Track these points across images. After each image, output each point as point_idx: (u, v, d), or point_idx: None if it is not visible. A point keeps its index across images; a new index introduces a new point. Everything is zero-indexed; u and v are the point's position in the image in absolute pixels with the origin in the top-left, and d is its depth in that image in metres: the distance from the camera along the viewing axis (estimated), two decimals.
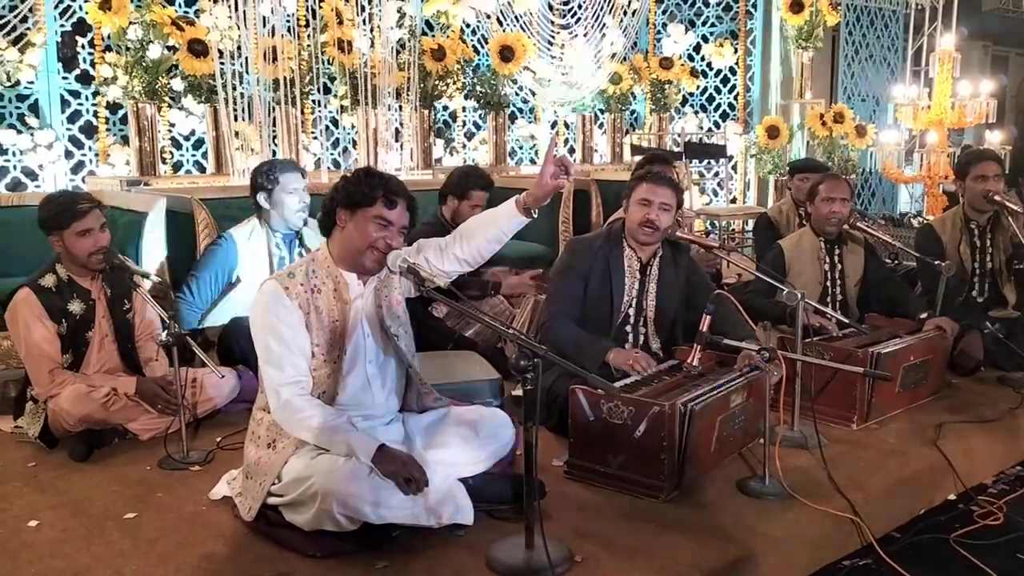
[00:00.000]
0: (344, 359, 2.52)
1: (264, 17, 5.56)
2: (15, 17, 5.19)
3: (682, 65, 8.13)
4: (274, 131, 5.70)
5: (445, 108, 7.31)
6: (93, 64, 5.71)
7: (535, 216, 2.61)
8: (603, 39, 7.59)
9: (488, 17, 7.00)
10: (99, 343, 3.23)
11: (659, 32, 8.63)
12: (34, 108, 5.64)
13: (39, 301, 3.09)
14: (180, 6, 5.97)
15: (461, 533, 2.39)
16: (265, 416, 2.49)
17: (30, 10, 5.27)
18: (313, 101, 6.20)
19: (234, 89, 5.45)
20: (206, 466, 2.95)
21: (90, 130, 5.88)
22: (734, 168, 8.61)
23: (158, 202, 4.13)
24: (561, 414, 2.96)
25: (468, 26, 7.06)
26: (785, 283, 3.30)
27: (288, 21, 5.71)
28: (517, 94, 7.65)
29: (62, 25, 5.61)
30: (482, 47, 7.14)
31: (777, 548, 2.43)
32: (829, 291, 3.95)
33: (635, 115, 8.65)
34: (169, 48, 5.32)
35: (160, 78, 5.36)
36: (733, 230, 8.10)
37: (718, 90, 8.82)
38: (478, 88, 6.97)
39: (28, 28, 5.29)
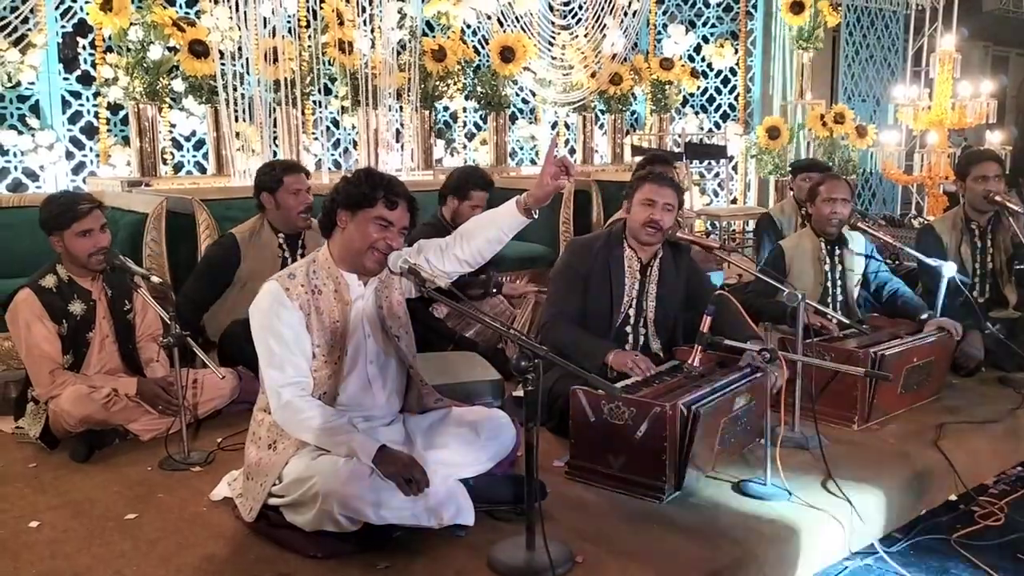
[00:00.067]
0: (345, 360, 2.52)
1: (265, 18, 5.56)
2: (16, 18, 5.19)
3: (682, 66, 8.13)
4: (275, 132, 5.70)
5: (446, 109, 7.31)
6: (94, 65, 5.71)
7: (536, 217, 2.61)
8: (603, 39, 7.59)
9: (489, 18, 7.00)
10: (100, 344, 3.24)
11: (659, 33, 8.63)
12: (35, 109, 5.64)
13: (40, 302, 3.09)
14: (181, 7, 5.97)
15: (462, 534, 2.39)
16: (266, 417, 2.49)
17: (31, 11, 5.27)
18: (314, 102, 6.20)
19: (235, 90, 5.45)
20: (207, 467, 2.95)
21: (91, 131, 5.88)
22: (734, 169, 8.61)
23: (159, 203, 4.13)
24: (562, 415, 2.96)
25: (469, 27, 7.06)
26: (786, 283, 3.30)
27: (289, 22, 5.71)
28: (518, 95, 7.65)
29: (63, 26, 5.61)
30: (483, 48, 7.14)
31: (778, 549, 2.43)
32: (829, 292, 3.95)
33: (636, 116, 8.65)
34: (170, 49, 5.32)
35: (161, 79, 5.36)
36: (734, 231, 8.10)
37: (718, 91, 8.82)
38: (479, 89, 6.97)
39: (29, 29, 5.29)
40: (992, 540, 2.69)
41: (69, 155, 5.77)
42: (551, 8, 7.56)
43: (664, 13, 8.74)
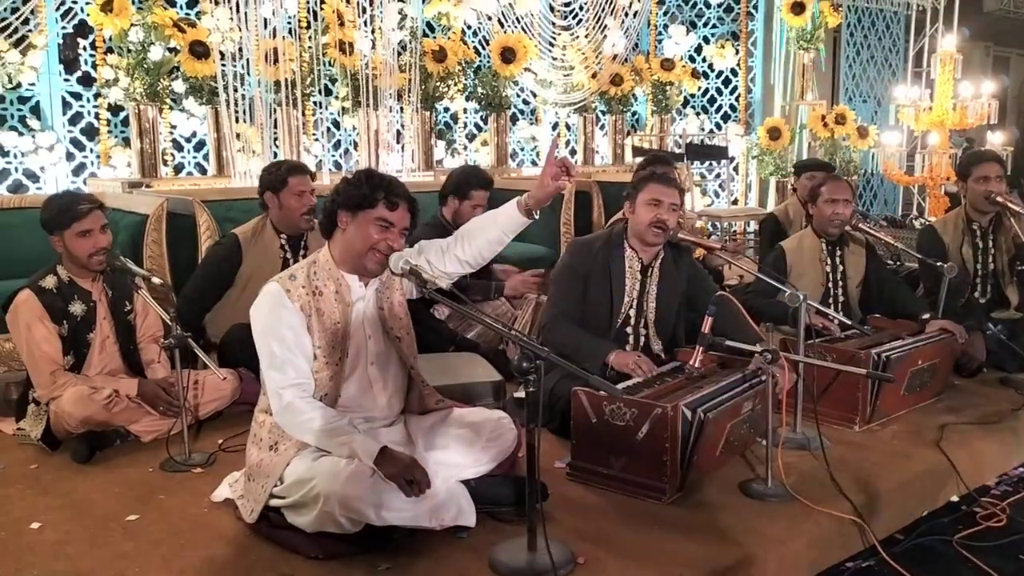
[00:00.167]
0: (346, 361, 2.52)
1: (265, 19, 5.56)
2: (17, 19, 5.20)
3: (683, 66, 8.12)
4: (275, 133, 5.70)
5: (446, 110, 7.31)
6: (94, 66, 5.71)
7: (536, 217, 2.61)
8: (604, 40, 7.59)
9: (489, 19, 7.00)
10: (100, 345, 3.24)
11: (660, 33, 8.63)
12: (35, 110, 5.65)
13: (40, 303, 3.09)
14: (181, 8, 5.97)
15: (463, 535, 2.39)
16: (267, 418, 2.49)
17: (32, 12, 5.27)
18: (314, 103, 6.20)
19: (235, 91, 5.45)
20: (208, 468, 2.95)
21: (91, 132, 5.89)
22: (735, 169, 8.61)
23: (159, 204, 4.13)
24: (563, 416, 2.95)
25: (469, 28, 7.06)
26: (787, 284, 3.30)
27: (289, 23, 5.71)
28: (518, 96, 7.65)
29: (63, 27, 5.61)
30: (483, 48, 7.14)
31: (779, 550, 2.42)
32: (831, 292, 3.95)
33: (636, 116, 8.65)
34: (170, 50, 5.32)
35: (161, 80, 5.36)
36: (735, 231, 8.09)
37: (719, 91, 8.82)
38: (479, 89, 6.97)
39: (30, 30, 5.29)
40: (994, 541, 2.69)
41: (70, 156, 5.78)
42: (552, 9, 7.56)
43: (665, 14, 8.74)
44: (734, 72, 8.67)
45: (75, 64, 5.81)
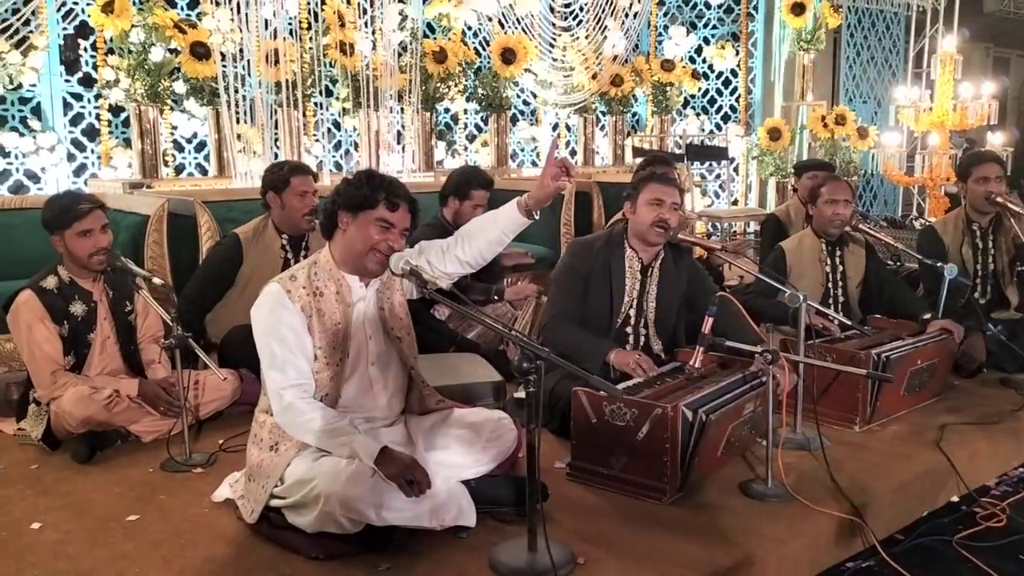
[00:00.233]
0: (346, 362, 2.52)
1: (266, 20, 5.57)
2: (18, 20, 5.20)
3: (683, 67, 8.13)
4: (276, 134, 5.71)
5: (447, 110, 7.31)
6: (95, 67, 5.72)
7: (536, 218, 2.61)
8: (604, 41, 7.59)
9: (489, 19, 7.00)
10: (101, 345, 3.24)
11: (660, 34, 8.64)
12: (36, 111, 5.66)
13: (41, 303, 3.09)
14: (182, 9, 5.98)
15: (464, 535, 2.39)
16: (267, 419, 2.49)
17: (33, 13, 5.28)
18: (315, 104, 6.21)
19: (236, 92, 5.45)
20: (208, 468, 2.95)
21: (92, 133, 5.89)
22: (736, 170, 8.62)
23: (160, 204, 4.13)
24: (563, 416, 2.96)
25: (469, 28, 7.07)
26: (787, 284, 3.30)
27: (290, 24, 5.72)
28: (518, 96, 7.66)
29: (64, 28, 5.62)
30: (483, 49, 7.14)
31: (780, 550, 2.42)
32: (831, 293, 3.95)
33: (637, 117, 8.65)
34: (171, 51, 5.32)
35: (162, 81, 5.36)
36: (735, 232, 8.09)
37: (720, 92, 8.83)
38: (480, 90, 6.97)
39: (31, 31, 5.30)
40: (994, 542, 2.68)
41: (70, 157, 5.78)
42: (552, 10, 7.56)
43: (665, 15, 8.75)
44: (734, 73, 8.68)
45: (76, 65, 5.82)
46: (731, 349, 3.00)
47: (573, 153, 7.95)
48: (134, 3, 5.29)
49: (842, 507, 2.62)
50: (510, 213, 2.60)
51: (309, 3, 6.04)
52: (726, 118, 8.84)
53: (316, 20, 5.96)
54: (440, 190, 4.31)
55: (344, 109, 6.25)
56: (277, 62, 5.54)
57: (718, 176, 8.84)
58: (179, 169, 6.18)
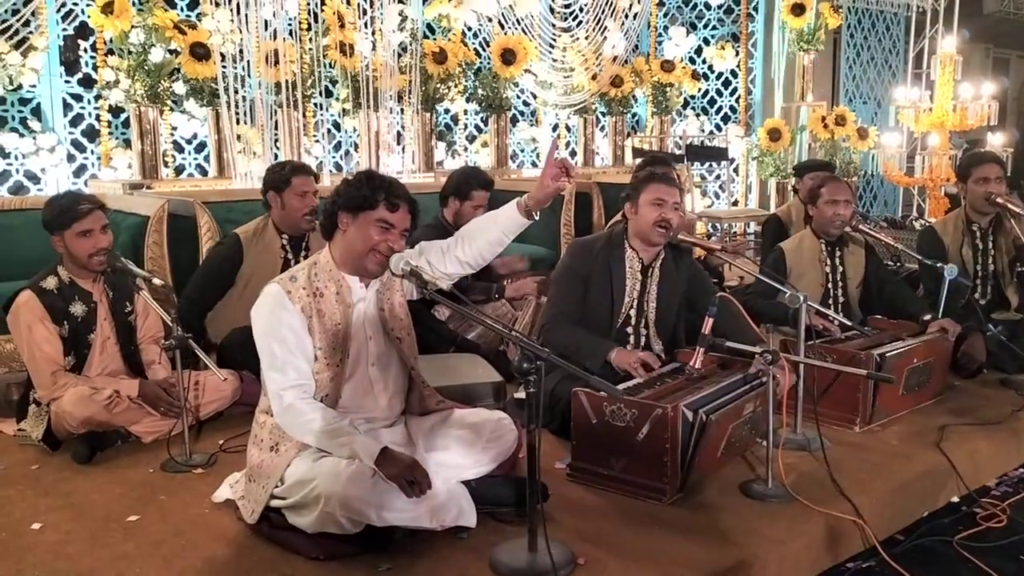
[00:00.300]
0: (346, 362, 2.52)
1: (266, 21, 5.57)
2: (18, 21, 5.20)
3: (683, 68, 8.13)
4: (276, 134, 5.71)
5: (447, 111, 7.31)
6: (95, 68, 5.72)
7: (536, 218, 2.61)
8: (604, 42, 7.59)
9: (489, 20, 7.00)
10: (101, 345, 3.24)
11: (660, 35, 8.64)
12: (36, 112, 5.66)
13: (41, 303, 3.10)
14: (182, 10, 5.98)
15: (464, 536, 2.39)
16: (268, 419, 2.49)
17: (32, 14, 5.28)
18: (315, 104, 6.21)
19: (236, 92, 5.46)
20: (209, 469, 2.95)
21: (92, 134, 5.90)
22: (736, 171, 8.62)
23: (160, 205, 4.13)
24: (563, 417, 2.96)
25: (469, 29, 7.07)
26: (787, 285, 3.30)
27: (290, 24, 5.72)
28: (518, 97, 7.66)
29: (64, 29, 5.62)
30: (483, 50, 7.15)
31: (780, 551, 2.42)
32: (831, 293, 3.95)
33: (636, 118, 8.65)
34: (171, 52, 5.33)
35: (162, 81, 5.37)
36: (735, 233, 8.10)
37: (719, 93, 8.83)
38: (479, 91, 6.97)
39: (31, 32, 5.30)
40: (994, 542, 2.68)
41: (70, 158, 5.79)
42: (552, 10, 7.57)
43: (665, 15, 8.75)
44: (734, 73, 8.68)
45: (76, 66, 5.82)
46: (731, 350, 3.00)
47: (573, 154, 7.95)
48: (134, 4, 5.30)
49: (842, 507, 2.62)
50: (510, 214, 2.60)
51: (309, 4, 6.04)
52: (726, 119, 8.84)
53: (316, 21, 5.96)
54: (440, 191, 4.32)
55: (344, 110, 6.25)
56: (277, 63, 5.55)
57: (718, 177, 8.84)
58: (179, 170, 6.19)
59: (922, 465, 3.00)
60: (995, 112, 7.00)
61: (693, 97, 8.78)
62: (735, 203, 8.55)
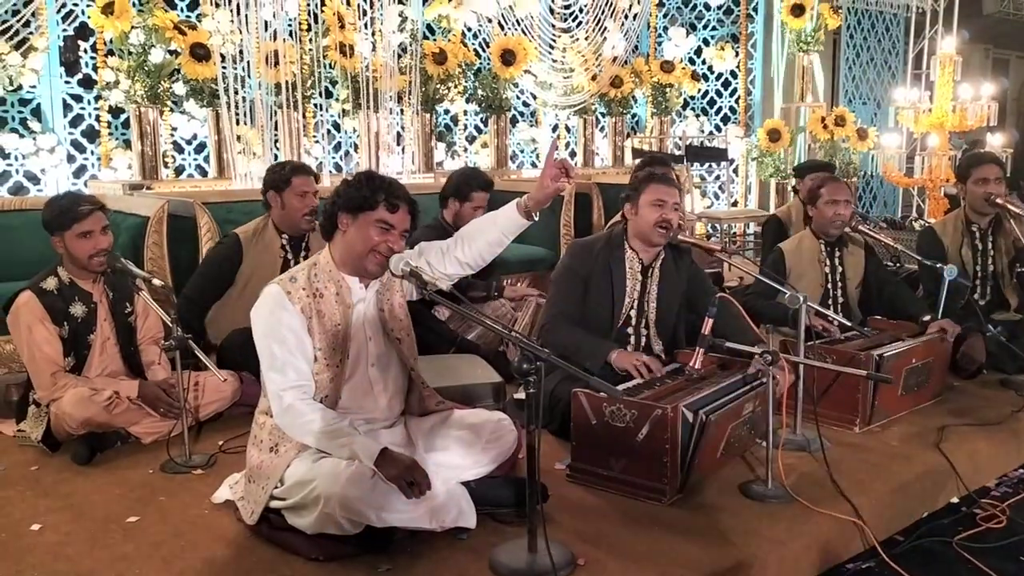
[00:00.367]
0: (346, 363, 2.52)
1: (266, 21, 5.57)
2: (18, 21, 5.20)
3: (683, 68, 8.13)
4: (276, 135, 5.71)
5: (446, 112, 7.31)
6: (95, 68, 5.72)
7: (536, 219, 2.62)
8: (604, 42, 7.60)
9: (489, 21, 7.00)
10: (101, 346, 3.24)
11: (660, 35, 8.64)
12: (36, 112, 5.66)
13: (41, 304, 3.10)
14: (182, 11, 5.98)
15: (464, 536, 2.39)
16: (267, 420, 2.49)
17: (33, 14, 5.28)
18: (315, 105, 6.21)
19: (236, 93, 5.46)
20: (208, 470, 2.95)
21: (92, 134, 5.90)
22: (735, 171, 8.62)
23: (160, 206, 4.13)
24: (563, 417, 2.96)
25: (469, 30, 7.07)
26: (786, 285, 3.30)
27: (290, 25, 5.72)
28: (518, 98, 7.66)
29: (64, 29, 5.62)
30: (483, 51, 7.14)
31: (780, 551, 2.42)
32: (830, 293, 3.95)
33: (636, 118, 8.66)
34: (171, 52, 5.33)
35: (162, 82, 5.36)
36: (735, 233, 8.10)
37: (719, 93, 8.83)
38: (479, 92, 6.97)
39: (31, 32, 5.30)
40: (994, 543, 2.69)
41: (70, 158, 5.78)
42: (552, 11, 7.57)
43: (665, 16, 8.75)
44: (734, 74, 8.68)
45: (76, 66, 5.82)
46: (731, 350, 3.00)
47: (573, 154, 7.95)
48: (134, 4, 5.30)
49: (842, 508, 2.62)
50: (510, 214, 2.60)
51: (309, 4, 6.04)
52: (726, 119, 8.84)
53: (316, 21, 5.96)
54: (440, 191, 4.32)
55: (344, 110, 6.25)
56: (277, 63, 5.55)
57: (718, 177, 8.84)
58: (179, 170, 6.19)
59: (922, 466, 3.00)
60: (994, 113, 7.00)
61: (693, 98, 8.78)
62: (735, 204, 8.55)
